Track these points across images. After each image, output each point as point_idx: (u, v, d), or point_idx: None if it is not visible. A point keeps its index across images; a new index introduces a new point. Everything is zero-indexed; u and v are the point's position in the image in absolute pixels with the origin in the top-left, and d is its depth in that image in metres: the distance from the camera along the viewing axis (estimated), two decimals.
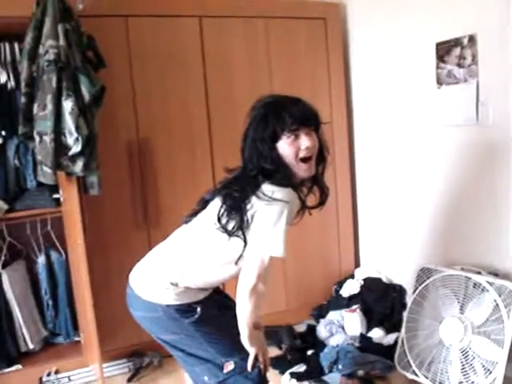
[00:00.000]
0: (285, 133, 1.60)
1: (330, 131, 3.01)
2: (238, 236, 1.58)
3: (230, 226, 1.58)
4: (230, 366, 1.69)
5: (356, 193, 3.50)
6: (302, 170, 1.65)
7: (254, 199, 1.55)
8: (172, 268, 1.69)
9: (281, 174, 1.60)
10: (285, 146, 1.61)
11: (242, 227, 1.56)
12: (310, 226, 3.12)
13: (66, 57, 2.26)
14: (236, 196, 1.59)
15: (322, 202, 1.79)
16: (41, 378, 2.69)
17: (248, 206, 1.56)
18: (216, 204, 1.66)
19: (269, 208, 1.53)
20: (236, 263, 1.64)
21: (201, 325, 1.68)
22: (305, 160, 1.64)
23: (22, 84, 2.39)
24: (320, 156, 1.71)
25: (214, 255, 1.67)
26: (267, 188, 1.55)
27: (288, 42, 3.14)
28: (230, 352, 1.70)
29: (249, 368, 1.67)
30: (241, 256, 1.62)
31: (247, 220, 1.56)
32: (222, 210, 1.60)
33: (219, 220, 1.59)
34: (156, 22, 2.80)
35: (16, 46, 2.64)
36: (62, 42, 2.25)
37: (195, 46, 2.90)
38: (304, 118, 1.63)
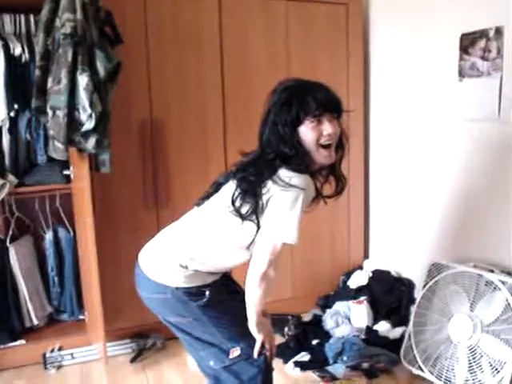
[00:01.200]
0: (308, 117, 1.57)
1: (345, 120, 2.96)
2: (251, 220, 1.55)
3: (244, 210, 1.55)
4: (236, 352, 1.68)
5: (369, 184, 3.46)
6: (323, 157, 1.62)
7: (270, 184, 1.52)
8: (182, 250, 1.67)
9: (299, 160, 1.57)
10: (307, 131, 1.58)
11: (256, 211, 1.54)
12: (320, 215, 3.08)
13: (83, 31, 2.22)
14: (251, 180, 1.56)
15: (339, 192, 1.75)
16: (44, 354, 2.70)
17: (264, 191, 1.53)
18: (230, 187, 1.63)
19: (285, 194, 1.50)
20: (248, 248, 1.62)
21: (209, 309, 1.66)
22: (325, 146, 1.61)
23: (37, 57, 2.36)
24: (339, 145, 1.68)
25: (225, 239, 1.65)
26: (284, 173, 1.52)
27: (308, 26, 3.08)
28: (237, 338, 1.68)
29: (255, 355, 1.67)
30: (253, 241, 1.59)
31: (262, 204, 1.53)
32: (237, 194, 1.57)
33: (233, 203, 1.56)
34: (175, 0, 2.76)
35: (31, 18, 2.61)
36: (79, 15, 2.21)
37: (213, 26, 2.86)
38: (329, 103, 1.60)
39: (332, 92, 1.63)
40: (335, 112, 1.62)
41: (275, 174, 1.53)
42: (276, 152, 1.57)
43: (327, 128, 1.59)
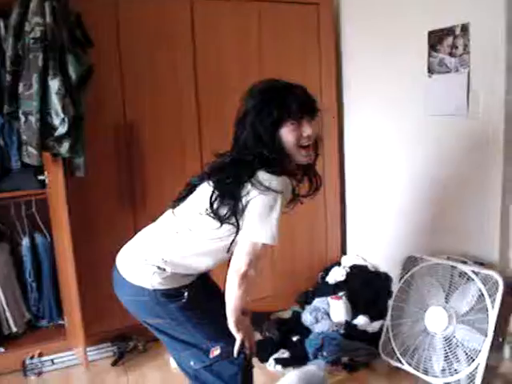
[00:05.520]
0: (289, 119, 1.59)
1: (319, 118, 3.00)
2: (230, 223, 1.56)
3: (223, 212, 1.56)
4: (216, 351, 1.69)
5: (344, 181, 3.50)
6: (302, 156, 1.65)
7: (249, 186, 1.53)
8: (159, 252, 1.67)
9: (279, 162, 1.58)
10: (287, 133, 1.60)
11: (235, 214, 1.55)
12: (297, 213, 3.07)
13: (53, 35, 2.21)
14: (229, 182, 1.56)
15: (315, 191, 1.78)
16: (24, 361, 2.67)
17: (243, 193, 1.54)
18: (205, 189, 1.64)
19: (264, 197, 1.52)
20: (227, 250, 1.63)
21: (187, 309, 1.66)
22: (304, 147, 1.64)
23: (7, 62, 2.33)
24: (314, 144, 1.70)
25: (204, 242, 1.65)
26: (263, 176, 1.53)
27: (280, 26, 3.10)
28: (217, 337, 1.69)
29: (235, 353, 1.69)
30: (232, 242, 1.61)
31: (242, 206, 1.54)
32: (215, 196, 1.57)
33: (211, 205, 1.57)
34: (146, 3, 2.75)
35: (1, 23, 2.57)
36: (48, 19, 2.20)
37: (185, 28, 2.85)
38: (308, 106, 1.62)
39: (309, 93, 1.65)
40: (313, 113, 1.65)
41: (254, 176, 1.53)
42: (255, 153, 1.58)
43: (307, 130, 1.61)
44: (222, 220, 1.57)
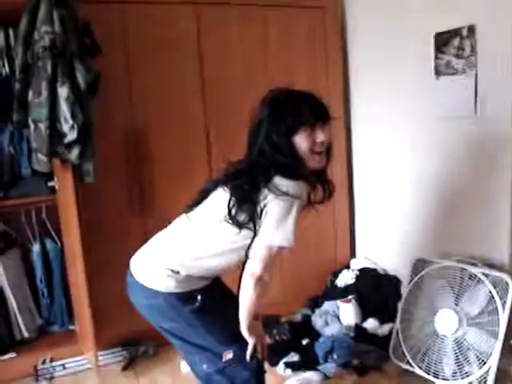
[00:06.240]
0: (303, 126, 1.61)
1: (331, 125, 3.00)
2: (248, 228, 1.59)
3: (241, 218, 1.58)
4: (228, 355, 1.70)
5: (353, 183, 3.50)
6: (315, 161, 1.68)
7: (266, 192, 1.55)
8: (174, 256, 1.69)
9: (294, 167, 1.61)
10: (301, 140, 1.63)
11: (253, 219, 1.57)
12: (305, 217, 3.09)
13: (62, 43, 2.23)
14: (246, 188, 1.59)
15: (328, 196, 1.81)
16: (36, 366, 2.69)
17: (260, 198, 1.56)
18: (220, 195, 1.65)
19: (281, 202, 1.54)
20: (244, 254, 1.65)
21: (201, 313, 1.68)
22: (318, 152, 1.66)
23: (17, 70, 2.36)
24: (326, 150, 1.72)
25: (220, 246, 1.67)
26: (280, 182, 1.55)
27: (285, 30, 3.11)
28: (229, 341, 1.70)
29: (247, 357, 1.70)
30: (248, 247, 1.63)
31: (260, 211, 1.56)
32: (232, 202, 1.59)
33: (229, 211, 1.59)
34: (153, 9, 2.76)
35: (11, 32, 2.61)
36: (57, 27, 2.22)
37: (192, 34, 2.87)
38: (321, 113, 1.65)
39: (321, 100, 1.69)
40: (326, 120, 1.67)
41: (270, 182, 1.56)
42: (270, 160, 1.61)
43: (320, 136, 1.64)
44: (241, 225, 1.59)
